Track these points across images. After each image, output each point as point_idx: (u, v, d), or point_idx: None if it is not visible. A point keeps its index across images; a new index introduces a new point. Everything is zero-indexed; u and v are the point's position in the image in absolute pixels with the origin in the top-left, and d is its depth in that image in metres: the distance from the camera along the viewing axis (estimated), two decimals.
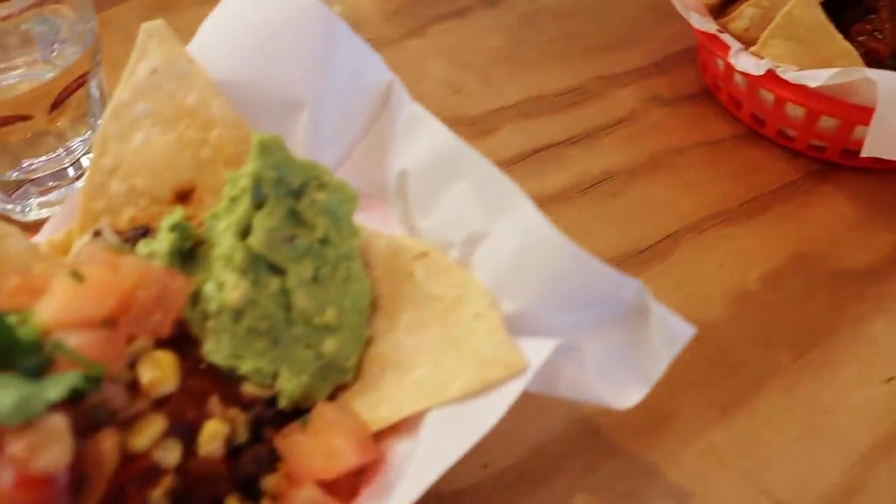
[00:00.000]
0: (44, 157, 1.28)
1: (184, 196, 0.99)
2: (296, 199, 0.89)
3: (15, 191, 1.28)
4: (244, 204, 0.85)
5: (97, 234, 0.95)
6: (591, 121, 1.43)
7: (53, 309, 0.78)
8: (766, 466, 1.04)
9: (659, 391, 1.09)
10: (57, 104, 1.22)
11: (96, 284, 0.80)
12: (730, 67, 1.33)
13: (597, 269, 0.82)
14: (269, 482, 0.84)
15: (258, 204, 0.87)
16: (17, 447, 0.70)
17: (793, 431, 1.07)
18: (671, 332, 0.80)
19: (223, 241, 0.89)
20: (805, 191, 1.36)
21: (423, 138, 0.97)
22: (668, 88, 1.52)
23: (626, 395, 0.84)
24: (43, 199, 1.29)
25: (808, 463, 1.04)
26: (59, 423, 0.70)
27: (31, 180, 1.29)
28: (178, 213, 0.91)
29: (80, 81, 1.27)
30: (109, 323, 0.80)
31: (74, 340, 0.77)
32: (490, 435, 1.03)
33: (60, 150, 1.27)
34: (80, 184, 1.29)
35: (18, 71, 1.23)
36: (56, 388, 0.72)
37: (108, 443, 0.75)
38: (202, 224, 0.94)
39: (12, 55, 1.22)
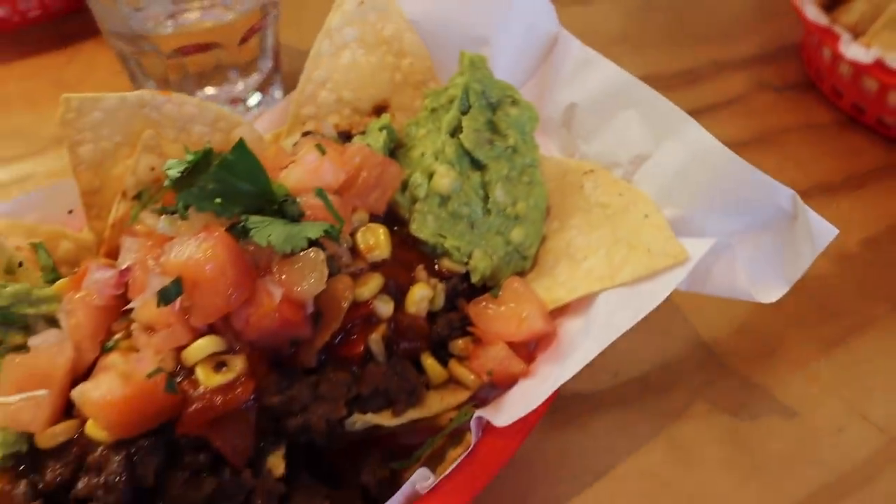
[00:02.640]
0: (222, 87, 1.44)
1: (380, 110, 1.15)
2: (493, 111, 1.04)
3: None
4: (454, 109, 1.00)
5: (305, 134, 1.11)
6: (704, 100, 1.58)
7: (298, 175, 0.93)
8: (865, 396, 1.16)
9: (768, 326, 1.24)
10: (244, 39, 1.39)
11: (332, 160, 0.95)
12: (835, 59, 1.47)
13: (756, 177, 0.95)
14: (458, 345, 0.98)
15: (464, 111, 1.02)
16: (286, 272, 0.85)
17: (891, 368, 1.19)
18: (816, 233, 0.92)
19: (424, 143, 1.04)
20: None
21: (593, 75, 1.12)
22: (775, 77, 1.67)
23: (771, 291, 0.96)
24: None
25: None
26: (319, 255, 0.85)
27: None
28: (385, 118, 1.06)
29: (260, 24, 1.44)
30: (340, 193, 0.95)
31: (314, 200, 0.92)
32: (618, 349, 1.17)
33: (240, 83, 1.43)
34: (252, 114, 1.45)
35: (197, 13, 1.39)
36: (313, 229, 0.86)
37: (342, 285, 0.89)
38: (400, 131, 1.09)
39: None
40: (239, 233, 0.83)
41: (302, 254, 0.84)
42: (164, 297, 0.81)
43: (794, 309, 1.26)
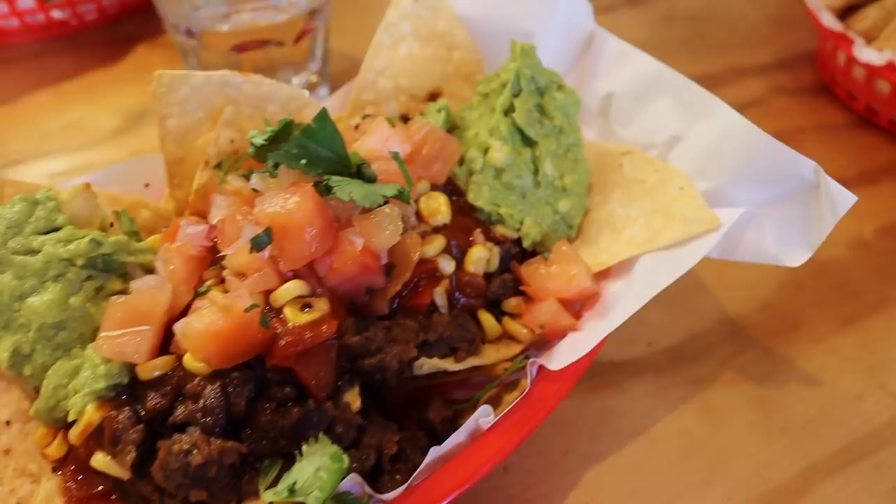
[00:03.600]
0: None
1: (433, 97, 1.25)
2: (541, 95, 1.14)
3: None
4: (507, 91, 1.11)
5: (365, 117, 1.21)
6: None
7: (371, 145, 1.03)
8: (883, 368, 1.24)
9: (790, 304, 1.32)
10: (301, 37, 1.50)
11: (400, 132, 1.05)
12: (850, 62, 1.58)
13: (781, 151, 1.05)
14: (511, 304, 1.07)
15: (515, 93, 1.12)
16: (364, 225, 0.94)
17: None
18: (837, 200, 1.02)
19: (478, 124, 1.14)
20: None
21: (630, 66, 1.22)
22: (791, 82, 1.77)
23: (796, 255, 1.05)
24: None
25: None
26: (394, 210, 0.94)
27: None
28: (443, 101, 1.16)
29: (311, 26, 1.55)
30: (405, 163, 1.04)
31: (385, 167, 1.01)
32: (652, 323, 1.27)
33: (293, 81, 1.54)
34: None
35: (249, 14, 1.50)
36: (388, 189, 0.96)
37: (411, 240, 0.98)
38: (454, 116, 1.20)
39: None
40: (322, 190, 0.93)
41: (379, 209, 0.94)
42: (257, 244, 0.90)
43: (814, 290, 1.35)
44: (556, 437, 1.13)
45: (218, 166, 1.08)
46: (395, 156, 0.98)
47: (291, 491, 0.82)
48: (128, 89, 1.80)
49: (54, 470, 0.96)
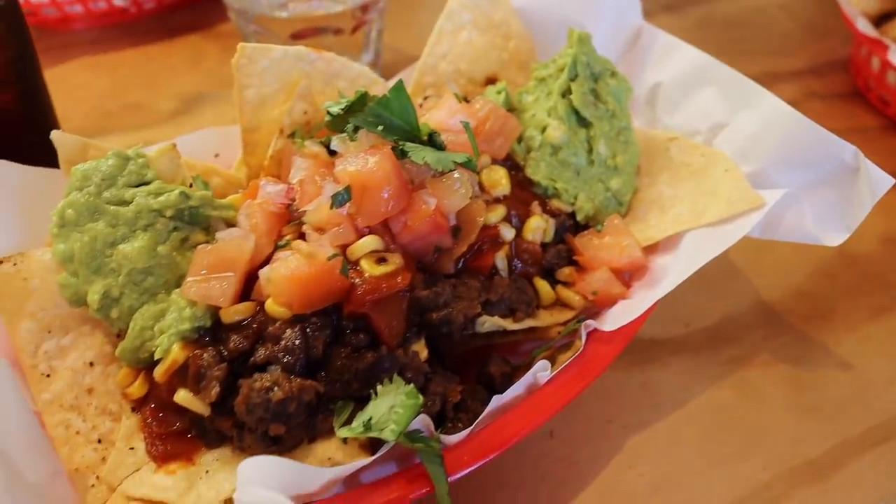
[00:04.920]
0: None
1: (490, 82, 1.33)
2: (595, 81, 1.21)
3: None
4: (565, 75, 1.18)
5: (426, 98, 1.28)
6: None
7: (440, 117, 1.10)
8: None
9: (823, 292, 1.38)
10: (357, 27, 1.57)
11: (464, 109, 1.12)
12: (884, 68, 1.65)
13: (823, 136, 1.11)
14: (564, 273, 1.14)
15: (572, 77, 1.19)
16: (436, 187, 1.01)
17: None
18: (875, 183, 1.08)
19: (534, 107, 1.21)
20: None
21: (677, 58, 1.30)
22: (823, 88, 1.84)
23: (835, 235, 1.11)
24: None
25: None
26: (464, 174, 1.01)
27: None
28: (502, 84, 1.23)
29: (367, 18, 1.62)
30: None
31: (452, 138, 1.08)
32: (689, 304, 1.33)
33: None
34: None
35: (306, 3, 1.57)
36: (458, 156, 1.03)
37: (477, 206, 1.05)
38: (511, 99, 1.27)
39: None
40: (398, 154, 1.00)
41: (450, 173, 1.00)
42: (338, 200, 0.97)
43: (846, 280, 1.41)
44: (600, 406, 1.19)
45: (291, 135, 1.15)
46: (466, 126, 1.04)
47: (367, 427, 0.88)
48: (183, 75, 1.87)
49: (133, 409, 1.02)
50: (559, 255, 1.13)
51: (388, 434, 0.86)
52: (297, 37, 1.57)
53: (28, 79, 1.32)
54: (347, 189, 0.97)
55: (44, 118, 1.37)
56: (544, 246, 1.13)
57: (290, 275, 0.92)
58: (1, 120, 1.28)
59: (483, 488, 1.07)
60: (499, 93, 1.21)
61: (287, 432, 0.92)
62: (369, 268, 0.95)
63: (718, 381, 1.24)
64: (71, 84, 1.82)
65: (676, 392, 1.22)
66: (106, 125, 1.72)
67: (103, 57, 1.93)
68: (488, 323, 1.03)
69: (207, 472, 0.96)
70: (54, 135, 1.10)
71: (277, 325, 0.95)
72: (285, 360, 0.92)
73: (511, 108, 1.23)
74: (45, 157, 1.26)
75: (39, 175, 1.12)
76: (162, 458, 0.97)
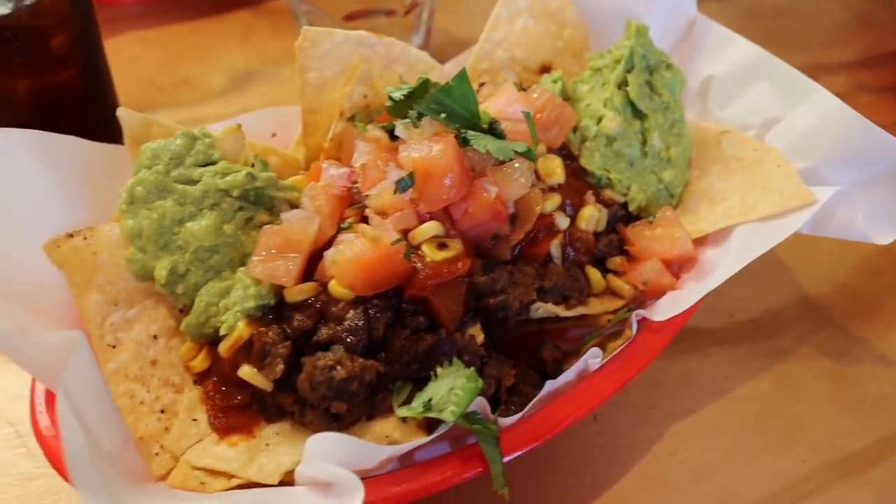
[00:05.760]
0: None
1: (544, 70, 1.34)
2: (650, 73, 1.23)
3: None
4: (621, 66, 1.19)
5: (482, 84, 1.30)
6: None
7: (499, 105, 1.12)
8: None
9: (867, 289, 1.40)
10: (410, 9, 1.59)
11: (523, 97, 1.14)
12: None
13: (877, 134, 1.12)
14: (615, 262, 1.16)
15: (628, 69, 1.21)
16: (497, 176, 1.03)
17: None
18: None
19: (589, 97, 1.23)
20: None
21: (731, 51, 1.30)
22: (873, 80, 1.84)
23: (885, 234, 1.12)
24: None
25: None
26: (524, 163, 1.03)
27: None
28: (557, 73, 1.25)
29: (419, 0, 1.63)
30: None
31: (511, 127, 1.10)
32: (733, 296, 1.34)
33: None
34: None
35: None
36: (517, 146, 1.05)
37: (534, 194, 1.07)
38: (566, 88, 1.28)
39: None
40: (460, 142, 1.02)
41: (510, 162, 1.03)
42: (402, 185, 0.99)
43: (890, 277, 1.41)
44: (643, 393, 1.21)
45: (351, 118, 1.17)
46: (527, 116, 1.06)
47: (427, 407, 0.91)
48: (233, 51, 1.90)
49: (195, 382, 1.06)
50: (611, 245, 1.15)
51: (448, 415, 0.89)
52: (350, 18, 1.59)
53: (90, 55, 1.35)
54: (411, 175, 1.00)
55: (104, 94, 1.41)
56: (596, 235, 1.15)
57: (354, 257, 0.95)
58: (64, 96, 1.31)
59: (530, 470, 1.10)
60: (555, 82, 1.23)
61: (348, 410, 0.96)
62: (431, 253, 0.98)
63: (760, 372, 1.26)
64: (121, 58, 1.84)
65: (718, 382, 1.24)
66: (157, 100, 1.75)
67: (153, 31, 1.96)
68: (542, 309, 1.05)
69: (268, 444, 0.99)
70: (120, 112, 1.13)
71: (340, 305, 0.97)
72: (348, 339, 0.95)
73: (566, 97, 1.25)
74: (106, 132, 1.30)
75: (105, 151, 1.16)
76: (224, 430, 1.01)
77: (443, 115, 1.03)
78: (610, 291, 1.15)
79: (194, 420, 1.02)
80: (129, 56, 1.87)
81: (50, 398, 0.98)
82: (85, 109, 1.35)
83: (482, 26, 1.36)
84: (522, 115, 1.11)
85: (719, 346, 1.29)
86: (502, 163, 1.03)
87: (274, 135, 1.31)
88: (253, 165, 1.13)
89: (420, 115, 1.04)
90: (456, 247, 0.99)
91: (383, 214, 1.01)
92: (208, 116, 1.70)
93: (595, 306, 1.11)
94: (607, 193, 1.17)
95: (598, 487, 1.12)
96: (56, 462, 0.93)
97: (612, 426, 1.18)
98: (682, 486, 1.11)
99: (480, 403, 0.93)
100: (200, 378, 1.06)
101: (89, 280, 1.05)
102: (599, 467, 1.13)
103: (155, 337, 1.07)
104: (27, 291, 1.01)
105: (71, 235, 1.04)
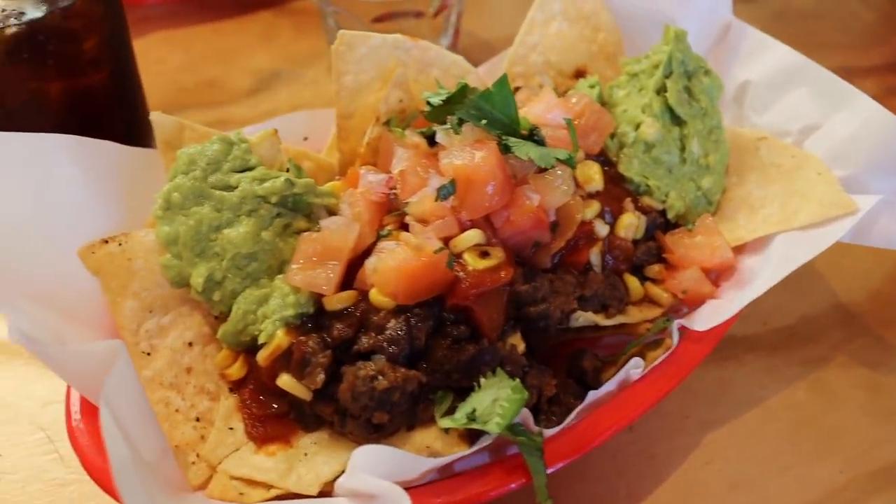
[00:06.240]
0: None
1: (579, 75, 1.33)
2: (689, 78, 1.21)
3: None
4: (660, 72, 1.18)
5: (517, 89, 1.29)
6: None
7: (538, 111, 1.11)
8: None
9: None
10: (440, 11, 1.57)
11: (562, 104, 1.13)
12: None
13: None
14: (653, 270, 1.15)
15: (666, 75, 1.19)
16: (539, 184, 1.02)
17: None
18: None
19: (626, 102, 1.21)
20: None
21: (769, 56, 1.29)
22: None
23: None
24: None
25: None
26: (566, 171, 1.02)
27: None
28: (594, 78, 1.24)
29: (448, 2, 1.62)
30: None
31: (550, 133, 1.09)
32: (767, 303, 1.32)
33: None
34: None
35: None
36: (558, 154, 1.04)
37: (575, 202, 1.06)
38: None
39: None
40: (501, 149, 1.01)
41: (552, 170, 1.01)
42: (443, 193, 0.98)
43: None
44: (677, 401, 1.20)
45: (387, 123, 1.16)
46: (569, 123, 1.05)
47: (471, 418, 0.90)
48: (258, 52, 1.89)
49: (231, 390, 1.05)
50: (649, 253, 1.14)
51: (493, 427, 0.88)
52: (379, 20, 1.58)
53: (121, 58, 1.34)
54: (452, 182, 0.99)
55: (134, 96, 1.40)
56: (635, 242, 1.13)
57: (397, 266, 0.94)
58: (96, 98, 1.30)
59: (562, 480, 1.09)
60: (592, 87, 1.22)
61: (389, 420, 0.94)
62: (473, 261, 0.97)
63: (795, 381, 1.25)
64: (147, 59, 1.82)
65: (753, 390, 1.23)
66: (183, 101, 1.74)
67: (177, 32, 1.95)
68: (582, 318, 1.04)
69: (306, 454, 0.98)
70: (153, 116, 1.13)
71: (381, 314, 0.96)
72: (390, 349, 0.94)
73: (602, 103, 1.23)
74: (137, 134, 1.29)
75: (138, 155, 1.15)
76: (261, 439, 1.00)
77: (483, 122, 1.02)
78: (648, 299, 1.13)
79: (231, 429, 1.02)
80: (154, 57, 1.86)
81: (85, 406, 0.97)
82: (116, 112, 1.35)
83: (508, 28, 1.35)
84: (562, 121, 1.10)
85: (754, 354, 1.28)
86: (542, 170, 1.02)
87: (306, 138, 1.30)
88: (287, 170, 1.12)
89: (461, 122, 1.02)
90: (498, 255, 0.98)
91: (424, 222, 1.00)
92: (235, 118, 1.70)
93: (634, 315, 1.10)
94: (645, 200, 1.16)
95: (632, 497, 1.11)
96: (94, 472, 0.92)
97: (646, 434, 1.17)
98: (718, 496, 1.10)
99: (523, 414, 0.92)
100: (236, 386, 1.05)
101: (124, 286, 1.04)
102: (633, 476, 1.12)
103: (190, 344, 1.06)
104: (62, 298, 1.00)
105: (106, 241, 1.04)
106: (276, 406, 1.02)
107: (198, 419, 1.03)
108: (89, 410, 0.96)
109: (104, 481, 0.91)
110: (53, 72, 1.23)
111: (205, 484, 0.98)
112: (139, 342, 1.04)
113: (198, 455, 1.00)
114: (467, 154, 0.98)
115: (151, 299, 1.05)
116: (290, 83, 1.79)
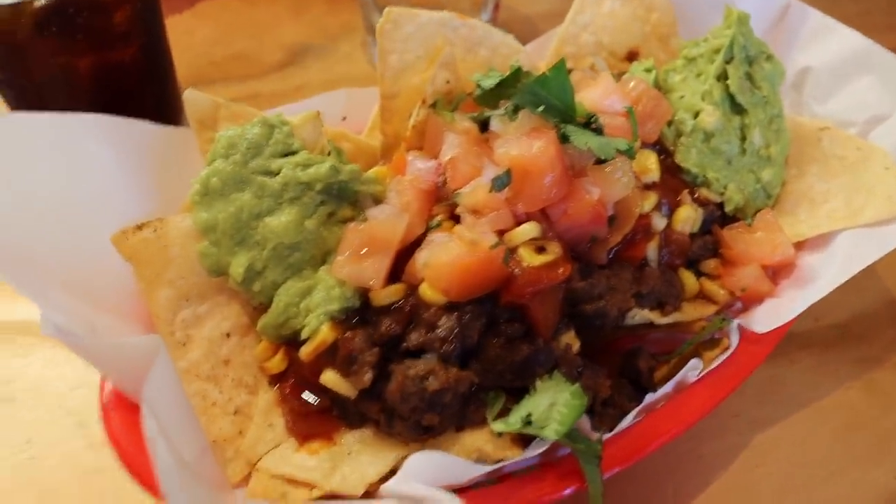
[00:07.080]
0: None
1: (632, 56, 1.27)
2: (750, 64, 1.15)
3: None
4: (721, 57, 1.12)
5: (569, 71, 1.22)
6: None
7: (594, 97, 1.05)
8: None
9: None
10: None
11: (619, 89, 1.07)
12: None
13: None
14: (709, 265, 1.10)
15: (727, 60, 1.13)
16: (598, 176, 0.96)
17: None
18: None
19: (682, 87, 1.15)
20: None
21: (833, 41, 1.22)
22: None
23: None
24: None
25: None
26: (626, 163, 0.97)
27: None
28: (649, 61, 1.18)
29: None
30: (622, 118, 1.06)
31: (608, 120, 1.03)
32: (819, 300, 1.27)
33: None
34: None
35: None
36: (619, 144, 0.98)
37: (634, 194, 1.01)
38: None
39: None
40: (560, 138, 0.95)
41: (612, 161, 0.96)
42: (498, 184, 0.93)
43: None
44: (726, 399, 1.15)
45: (433, 105, 1.10)
46: (630, 112, 1.00)
47: (526, 423, 0.85)
48: (288, 25, 1.83)
49: (270, 384, 1.01)
50: (705, 247, 1.09)
51: (551, 433, 0.84)
52: None
53: (152, 32, 1.29)
54: (508, 172, 0.93)
55: (164, 71, 1.35)
56: (691, 236, 1.08)
57: (451, 261, 0.89)
58: (126, 73, 1.25)
59: (608, 479, 1.05)
60: (648, 71, 1.16)
61: (439, 422, 0.90)
62: (529, 257, 0.92)
63: (848, 380, 1.21)
64: (175, 31, 1.75)
65: (804, 389, 1.19)
66: (212, 74, 1.69)
67: (206, 3, 1.89)
68: (638, 316, 1.00)
69: (349, 453, 0.95)
70: (186, 94, 1.08)
71: (432, 311, 0.92)
72: (442, 348, 0.90)
73: (657, 87, 1.17)
74: (167, 109, 1.24)
75: (171, 134, 1.10)
76: (303, 436, 0.96)
77: (540, 108, 0.96)
78: (701, 296, 1.08)
79: (270, 425, 0.98)
80: (183, 29, 1.80)
81: (118, 396, 0.93)
82: (146, 87, 1.29)
83: (547, 3, 1.28)
84: (619, 108, 1.04)
85: (805, 352, 1.23)
86: (600, 160, 0.96)
87: (344, 118, 1.24)
88: (329, 154, 1.07)
89: (517, 108, 0.97)
90: (555, 250, 0.93)
91: (477, 213, 0.95)
92: (264, 92, 1.64)
93: (689, 312, 1.05)
94: (703, 192, 1.11)
95: (680, 498, 1.06)
96: (133, 466, 0.89)
97: (694, 433, 1.11)
98: (769, 500, 1.06)
99: (581, 419, 0.88)
100: (275, 379, 1.01)
101: (159, 274, 0.99)
102: (682, 476, 1.09)
103: (228, 335, 1.02)
104: (94, 286, 0.95)
105: (140, 227, 0.99)
106: (318, 401, 0.98)
107: (235, 412, 0.99)
108: (122, 401, 0.92)
109: (143, 475, 0.87)
110: (83, 46, 1.18)
111: (244, 481, 0.94)
112: (174, 332, 0.99)
113: (236, 451, 0.96)
114: (525, 143, 0.93)
115: (187, 287, 1.01)
116: (322, 57, 1.74)
